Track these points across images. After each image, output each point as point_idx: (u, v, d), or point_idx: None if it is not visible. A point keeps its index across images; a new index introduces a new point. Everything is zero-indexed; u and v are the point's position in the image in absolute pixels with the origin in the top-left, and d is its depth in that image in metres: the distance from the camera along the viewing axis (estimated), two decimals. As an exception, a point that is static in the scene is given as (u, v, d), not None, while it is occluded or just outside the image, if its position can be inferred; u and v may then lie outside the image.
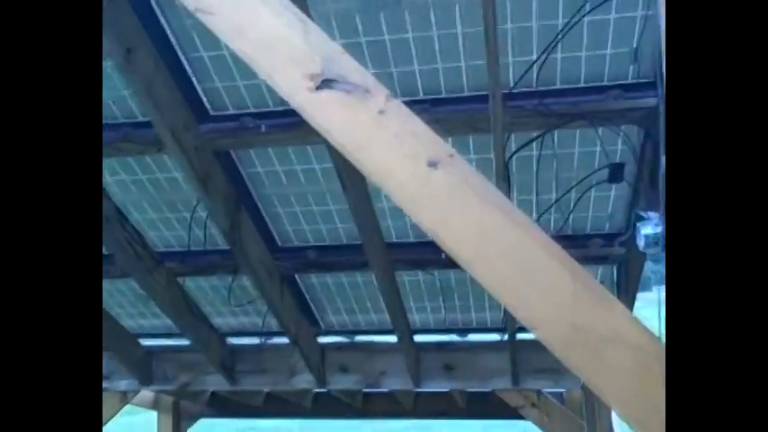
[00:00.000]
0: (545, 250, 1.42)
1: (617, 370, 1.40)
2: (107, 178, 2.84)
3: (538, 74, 2.27)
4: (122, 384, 4.14)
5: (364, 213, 2.73)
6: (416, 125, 1.57)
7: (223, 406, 5.50)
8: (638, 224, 1.83)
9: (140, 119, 2.58)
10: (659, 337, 1.41)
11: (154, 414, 5.46)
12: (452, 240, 1.52)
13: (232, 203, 2.74)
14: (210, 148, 2.55)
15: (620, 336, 1.40)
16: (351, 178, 2.50)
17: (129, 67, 2.14)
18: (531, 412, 4.10)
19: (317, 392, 5.26)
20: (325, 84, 1.56)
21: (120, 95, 2.49)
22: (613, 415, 3.61)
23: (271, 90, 2.48)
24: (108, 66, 2.31)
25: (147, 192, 2.98)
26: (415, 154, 1.54)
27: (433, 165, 1.53)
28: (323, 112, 1.56)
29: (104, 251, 3.06)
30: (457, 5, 2.15)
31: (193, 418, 5.55)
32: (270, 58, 1.59)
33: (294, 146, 2.67)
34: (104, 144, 2.61)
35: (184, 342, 4.08)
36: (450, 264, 3.06)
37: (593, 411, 3.61)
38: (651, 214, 1.79)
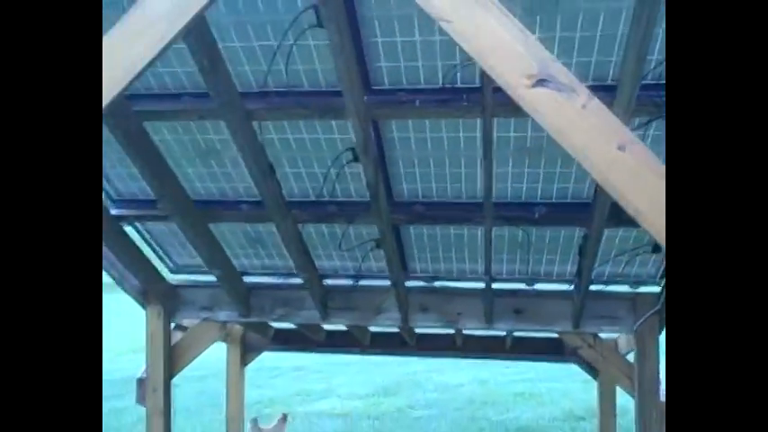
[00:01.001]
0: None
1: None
2: (265, 136, 3.29)
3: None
4: (222, 315, 4.66)
5: (487, 176, 3.22)
6: (609, 117, 2.07)
7: (286, 340, 6.05)
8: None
9: (306, 88, 3.05)
10: None
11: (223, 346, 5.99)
12: (634, 208, 2.03)
13: (377, 164, 3.23)
14: (371, 116, 3.03)
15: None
16: (488, 147, 3.00)
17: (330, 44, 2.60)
18: (588, 353, 4.67)
19: (374, 331, 5.83)
20: (540, 83, 2.05)
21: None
22: (661, 358, 4.19)
23: (424, 71, 2.96)
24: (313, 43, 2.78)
25: (290, 150, 3.45)
26: (608, 140, 2.04)
27: (621, 148, 2.03)
28: (538, 104, 2.05)
29: (252, 198, 3.55)
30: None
31: (258, 351, 6.09)
32: (495, 59, 2.07)
33: (432, 119, 3.15)
34: (275, 107, 3.09)
35: (280, 281, 4.62)
36: (537, 222, 3.59)
37: (643, 355, 4.19)
38: None
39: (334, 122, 3.25)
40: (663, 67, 2.77)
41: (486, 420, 6.78)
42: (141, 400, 4.63)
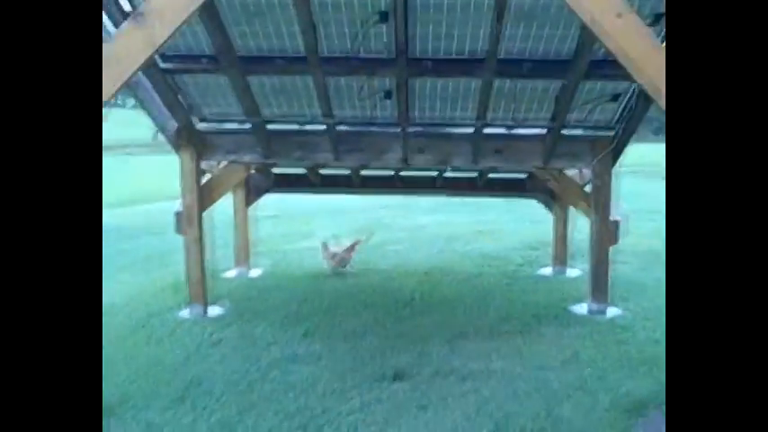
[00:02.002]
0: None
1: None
2: None
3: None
4: (246, 157, 5.42)
5: (493, 37, 3.99)
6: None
7: (286, 182, 6.88)
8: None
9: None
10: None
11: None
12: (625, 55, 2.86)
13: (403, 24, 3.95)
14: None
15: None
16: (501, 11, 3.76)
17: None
18: (554, 185, 5.69)
19: (365, 174, 6.70)
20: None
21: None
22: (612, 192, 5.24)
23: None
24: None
25: (326, 12, 4.12)
26: (611, 9, 2.82)
27: (619, 16, 2.83)
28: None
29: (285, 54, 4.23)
30: None
31: (260, 193, 6.90)
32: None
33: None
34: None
35: (297, 127, 5.36)
36: (525, 75, 4.38)
37: (599, 183, 5.21)
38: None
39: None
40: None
41: (453, 251, 7.90)
42: (180, 230, 5.44)
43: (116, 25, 3.98)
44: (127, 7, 3.99)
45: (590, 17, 2.76)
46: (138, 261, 7.72)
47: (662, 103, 2.75)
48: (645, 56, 2.70)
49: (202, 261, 5.45)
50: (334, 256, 6.80)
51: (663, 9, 3.91)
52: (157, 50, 2.89)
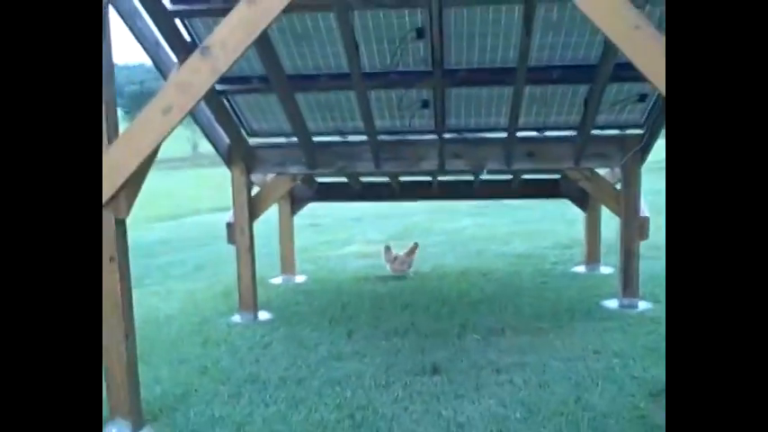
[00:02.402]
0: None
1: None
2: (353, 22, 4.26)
3: None
4: (293, 169, 5.75)
5: (524, 47, 4.27)
6: (631, 8, 3.11)
7: (329, 191, 7.22)
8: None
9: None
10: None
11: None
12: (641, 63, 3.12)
13: (439, 39, 4.26)
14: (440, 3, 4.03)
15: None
16: (528, 24, 4.04)
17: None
18: (586, 184, 5.93)
19: (404, 181, 7.01)
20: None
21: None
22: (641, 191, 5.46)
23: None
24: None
25: (368, 32, 4.44)
26: (629, 22, 3.09)
27: (637, 27, 3.10)
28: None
29: (329, 71, 4.56)
30: None
31: (303, 203, 7.25)
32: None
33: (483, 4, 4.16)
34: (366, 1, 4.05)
35: (339, 139, 5.68)
36: (554, 81, 4.64)
37: (628, 182, 5.44)
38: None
39: (406, 10, 4.23)
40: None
41: (490, 252, 8.17)
42: (231, 240, 5.79)
43: (177, 54, 4.36)
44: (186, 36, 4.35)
45: (610, 29, 3.03)
46: (190, 271, 8.13)
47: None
48: (659, 64, 2.97)
49: (253, 269, 5.79)
50: (395, 259, 7.02)
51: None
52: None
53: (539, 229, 9.51)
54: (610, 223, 6.73)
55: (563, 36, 4.44)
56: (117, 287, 3.38)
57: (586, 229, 7.08)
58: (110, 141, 3.30)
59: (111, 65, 3.37)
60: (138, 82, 72.40)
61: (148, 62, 4.36)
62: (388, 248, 7.07)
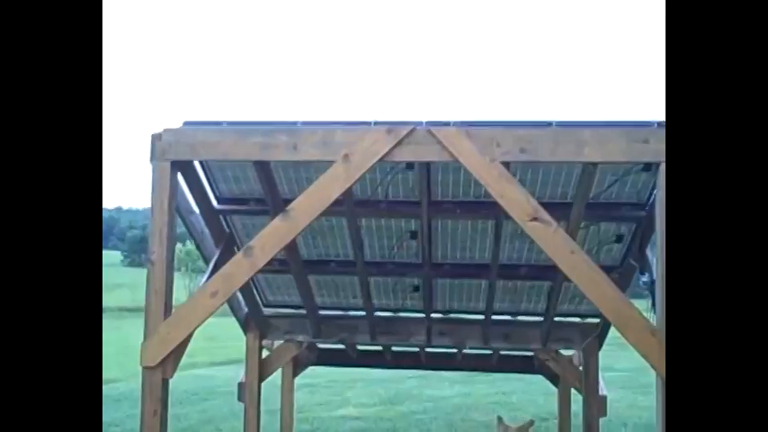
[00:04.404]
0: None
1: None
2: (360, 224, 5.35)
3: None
4: (300, 337, 6.65)
5: (494, 251, 5.32)
6: (566, 237, 4.18)
7: (328, 356, 8.03)
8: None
9: (391, 199, 5.16)
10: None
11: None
12: (584, 285, 4.13)
13: (428, 241, 5.33)
14: (429, 216, 5.14)
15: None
16: (498, 236, 5.12)
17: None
18: (552, 364, 6.79)
19: (395, 350, 7.85)
20: (533, 219, 4.11)
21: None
22: (599, 371, 6.33)
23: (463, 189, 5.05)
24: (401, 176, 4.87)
25: (371, 233, 5.52)
26: (564, 247, 4.14)
27: (573, 252, 4.14)
28: (533, 230, 4.13)
29: (337, 258, 5.61)
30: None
31: (305, 366, 8.04)
32: (511, 205, 4.17)
33: (463, 219, 5.27)
34: (372, 211, 5.15)
35: (342, 312, 6.62)
36: (522, 277, 5.66)
37: (587, 363, 6.32)
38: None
39: (402, 219, 5.34)
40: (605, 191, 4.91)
41: (473, 421, 8.84)
42: (241, 398, 6.56)
43: (216, 243, 5.42)
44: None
45: (552, 252, 4.05)
46: (194, 425, 8.76)
47: (609, 316, 4.00)
48: (591, 281, 3.97)
49: (258, 426, 6.50)
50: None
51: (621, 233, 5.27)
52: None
53: (518, 401, 10.22)
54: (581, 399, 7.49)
55: (528, 242, 5.51)
56: (158, 435, 4.18)
57: (558, 403, 7.82)
58: (166, 315, 4.22)
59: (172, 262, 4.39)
60: (140, 227, 73.99)
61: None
62: (501, 420, 6.68)
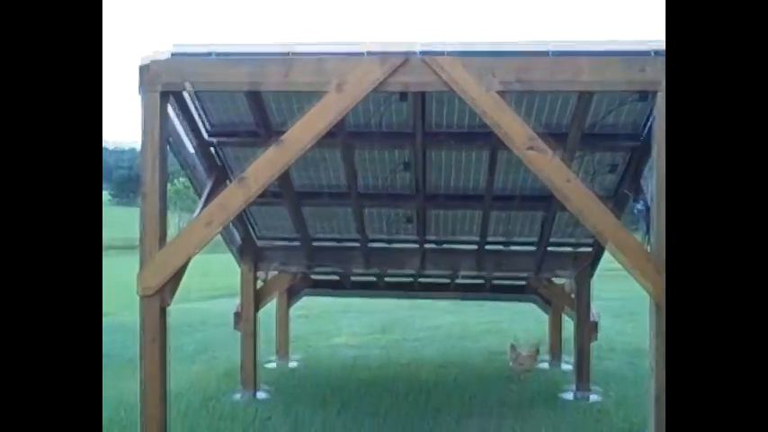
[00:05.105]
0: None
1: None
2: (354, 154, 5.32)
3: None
4: (293, 267, 6.72)
5: (489, 181, 5.32)
6: (561, 164, 4.17)
7: (322, 286, 8.12)
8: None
9: (384, 130, 5.11)
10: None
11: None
12: (577, 208, 4.15)
13: (420, 171, 5.31)
14: (423, 146, 5.11)
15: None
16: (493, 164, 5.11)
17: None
18: (545, 291, 6.91)
19: (389, 280, 7.94)
20: (530, 147, 4.10)
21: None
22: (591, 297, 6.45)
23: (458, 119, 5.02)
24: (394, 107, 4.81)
25: (364, 163, 5.49)
26: (561, 176, 4.14)
27: (568, 180, 4.15)
28: (530, 158, 4.11)
29: (331, 190, 5.61)
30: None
31: (300, 295, 8.15)
32: (510, 132, 4.14)
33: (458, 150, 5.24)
34: (367, 141, 5.11)
35: (336, 243, 6.66)
36: (516, 207, 5.68)
37: (580, 291, 6.43)
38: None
39: (396, 150, 5.31)
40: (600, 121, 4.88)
41: (464, 347, 9.04)
42: (237, 326, 6.66)
43: (209, 174, 5.39)
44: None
45: (548, 180, 4.05)
46: (190, 354, 8.89)
47: (605, 242, 4.03)
48: (588, 208, 3.99)
49: (254, 353, 6.63)
50: (517, 358, 7.01)
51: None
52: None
53: (510, 327, 10.41)
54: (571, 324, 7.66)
55: (522, 172, 5.50)
56: (158, 362, 4.24)
57: (549, 329, 7.99)
58: (161, 245, 4.23)
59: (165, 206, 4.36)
60: (126, 167, 73.40)
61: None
62: (513, 347, 7.10)
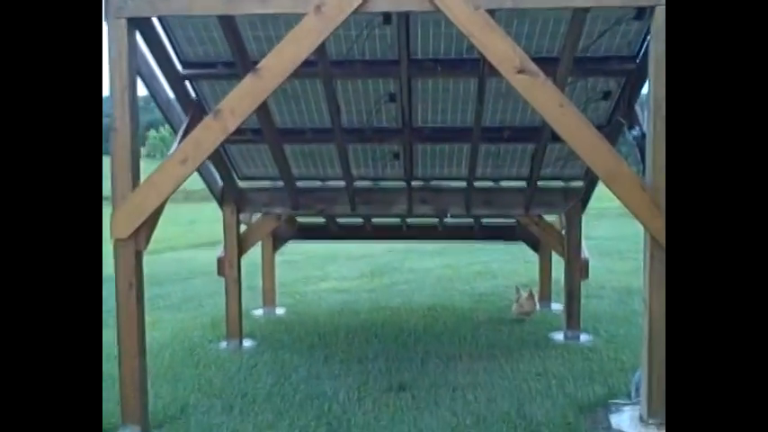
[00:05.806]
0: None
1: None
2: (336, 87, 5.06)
3: None
4: (278, 209, 6.49)
5: (477, 114, 5.09)
6: (554, 89, 3.94)
7: (308, 231, 7.93)
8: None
9: (368, 58, 4.83)
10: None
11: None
12: (567, 133, 3.94)
13: (407, 105, 5.07)
14: (409, 75, 4.85)
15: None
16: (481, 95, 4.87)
17: None
18: (535, 229, 6.74)
19: (376, 223, 7.76)
20: (520, 72, 3.85)
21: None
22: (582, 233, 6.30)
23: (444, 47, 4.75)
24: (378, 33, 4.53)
25: (348, 95, 5.24)
26: (553, 101, 3.91)
27: (561, 106, 3.93)
28: (520, 82, 3.88)
29: (314, 126, 5.35)
30: None
31: (285, 241, 7.95)
32: (497, 57, 3.89)
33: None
34: (348, 71, 4.84)
35: (320, 184, 6.44)
36: (505, 140, 5.47)
37: (570, 227, 6.27)
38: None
39: (380, 80, 5.04)
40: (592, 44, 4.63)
41: (454, 290, 8.93)
42: (221, 273, 6.47)
43: (185, 111, 5.11)
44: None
45: (539, 106, 3.84)
46: (176, 303, 8.73)
47: (598, 172, 3.84)
48: (582, 136, 3.79)
49: (239, 300, 6.45)
50: (518, 300, 7.08)
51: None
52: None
53: (500, 269, 10.32)
54: (562, 265, 7.53)
55: (512, 102, 5.28)
56: (134, 309, 4.05)
57: (539, 270, 7.87)
58: (134, 186, 4.00)
59: (137, 126, 4.12)
60: (107, 114, 72.26)
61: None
62: (518, 289, 7.15)
